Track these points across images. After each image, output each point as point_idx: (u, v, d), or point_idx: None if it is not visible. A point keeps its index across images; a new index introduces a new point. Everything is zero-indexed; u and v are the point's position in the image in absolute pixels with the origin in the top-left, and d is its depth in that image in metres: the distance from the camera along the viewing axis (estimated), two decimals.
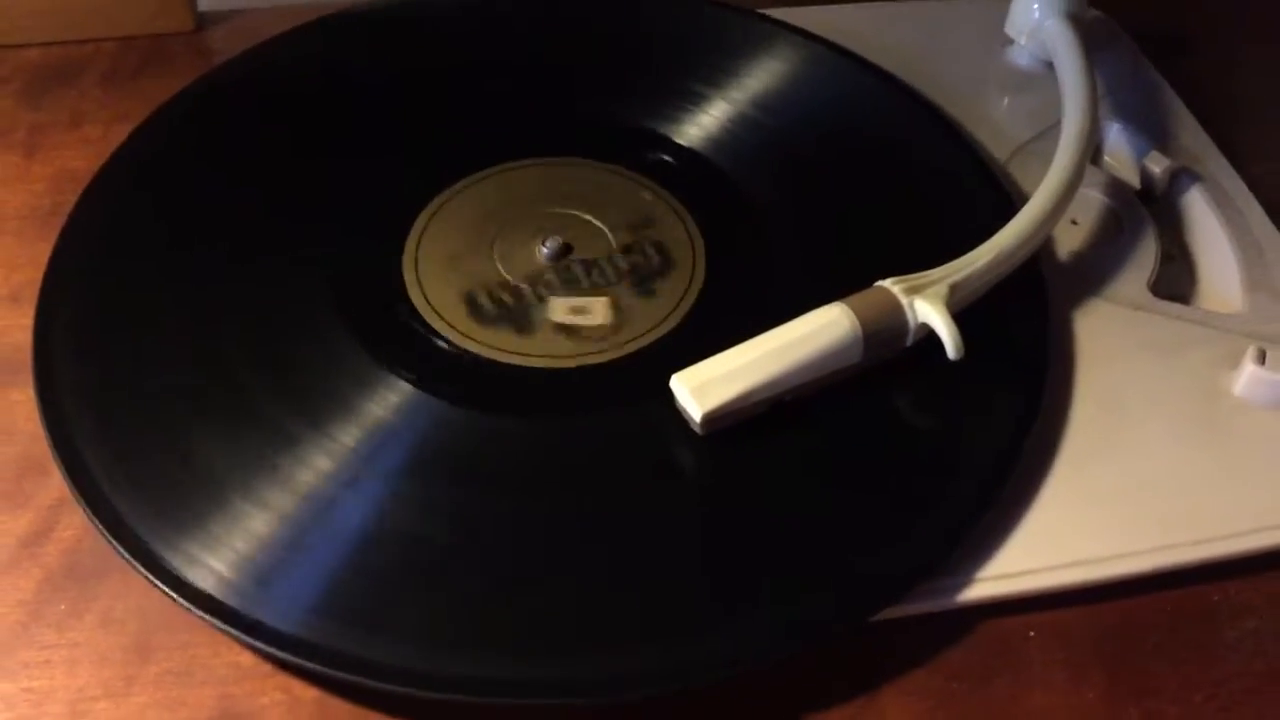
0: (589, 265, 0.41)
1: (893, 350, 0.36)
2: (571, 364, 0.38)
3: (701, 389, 0.34)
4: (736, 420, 0.35)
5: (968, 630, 0.34)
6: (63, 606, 0.33)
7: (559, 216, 0.42)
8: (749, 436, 0.35)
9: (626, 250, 0.41)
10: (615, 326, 0.39)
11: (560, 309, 0.38)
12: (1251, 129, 0.49)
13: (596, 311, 0.38)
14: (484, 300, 0.39)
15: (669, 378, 0.35)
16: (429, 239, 0.41)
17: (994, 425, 0.36)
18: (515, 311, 0.39)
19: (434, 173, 0.43)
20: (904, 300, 0.36)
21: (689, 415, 0.35)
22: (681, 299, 0.40)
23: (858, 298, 0.36)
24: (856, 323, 0.35)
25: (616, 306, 0.39)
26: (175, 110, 0.45)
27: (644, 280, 0.40)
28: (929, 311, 0.35)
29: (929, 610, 0.33)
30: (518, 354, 0.38)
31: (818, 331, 0.35)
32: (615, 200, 0.43)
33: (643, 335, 0.38)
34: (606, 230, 0.42)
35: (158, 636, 0.33)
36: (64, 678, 0.32)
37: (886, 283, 0.36)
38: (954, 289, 0.36)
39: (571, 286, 0.40)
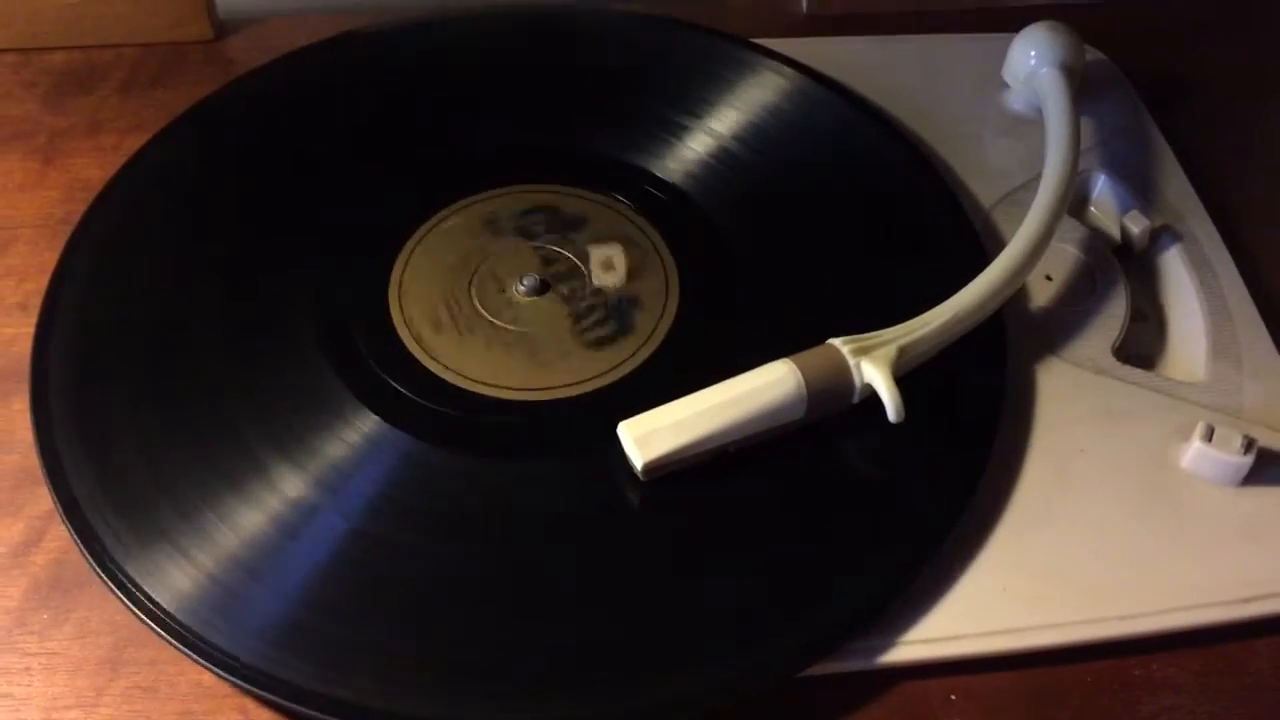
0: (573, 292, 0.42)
1: (838, 408, 0.37)
2: (542, 396, 0.39)
3: (645, 438, 0.36)
4: (680, 468, 0.36)
5: (889, 690, 0.35)
6: (45, 615, 0.36)
7: (537, 250, 0.43)
8: (690, 486, 0.36)
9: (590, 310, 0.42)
10: (633, 273, 0.42)
11: (597, 261, 0.41)
12: (1247, 189, 0.48)
13: (619, 264, 0.42)
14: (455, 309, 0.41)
15: (624, 422, 0.36)
16: (413, 270, 0.43)
17: (935, 488, 0.37)
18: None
19: (422, 198, 0.45)
20: (851, 361, 0.37)
21: (633, 462, 0.36)
22: (618, 365, 0.41)
23: (806, 355, 0.37)
24: (802, 381, 0.36)
25: (631, 257, 0.42)
26: (182, 129, 0.47)
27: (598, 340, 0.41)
28: (873, 374, 0.36)
29: (850, 669, 0.34)
30: (453, 371, 0.40)
31: (763, 388, 0.36)
32: (597, 232, 0.44)
33: (606, 373, 0.40)
34: (589, 286, 0.43)
35: (128, 650, 0.35)
36: (41, 685, 0.34)
37: (837, 341, 0.37)
38: (903, 351, 0.37)
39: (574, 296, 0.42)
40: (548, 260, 0.43)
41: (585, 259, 0.43)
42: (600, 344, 0.41)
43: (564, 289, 0.42)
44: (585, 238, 0.44)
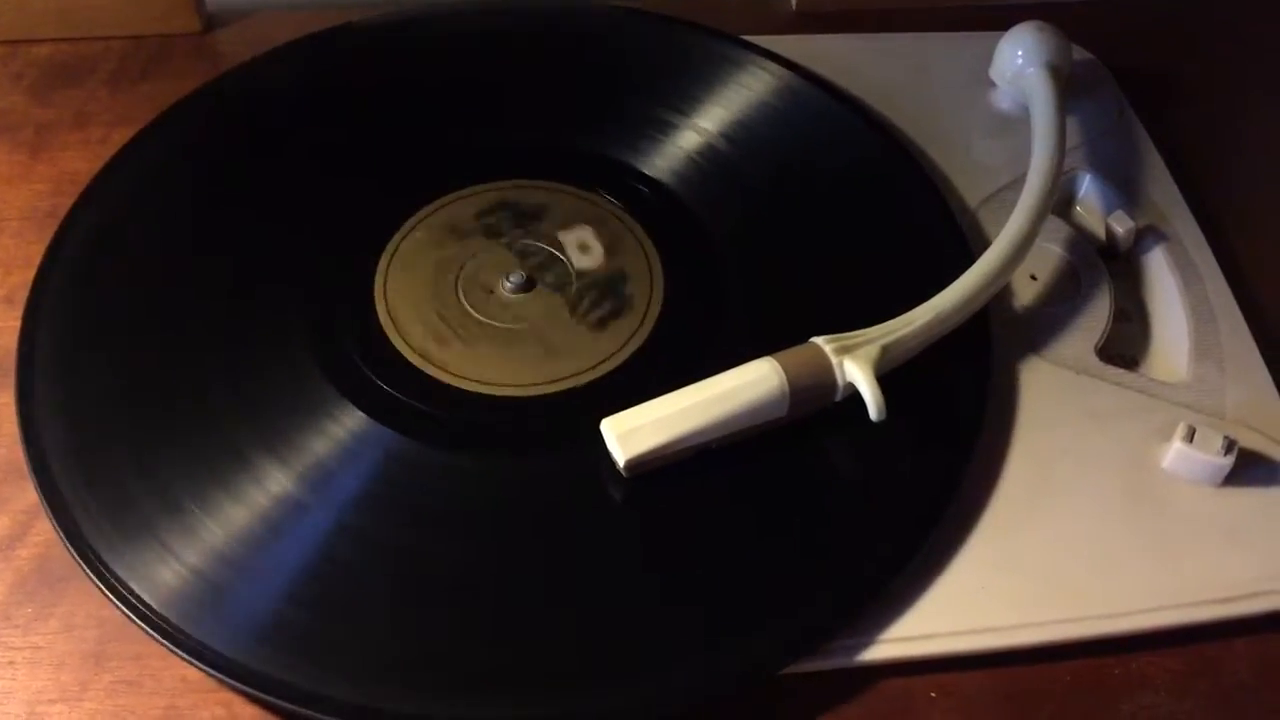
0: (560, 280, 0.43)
1: (821, 406, 0.38)
2: (517, 393, 0.39)
3: (628, 436, 0.36)
4: (662, 465, 0.36)
5: (870, 687, 0.35)
6: (30, 610, 0.36)
7: (530, 247, 0.44)
8: (672, 483, 0.37)
9: (583, 292, 0.42)
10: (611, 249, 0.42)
11: (572, 241, 0.41)
12: (1232, 190, 0.49)
13: (593, 244, 0.42)
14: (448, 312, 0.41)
15: (606, 419, 0.36)
16: (398, 265, 0.43)
17: (918, 487, 0.37)
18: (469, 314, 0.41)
19: (408, 194, 0.45)
20: (834, 359, 0.37)
21: (615, 459, 0.36)
22: (628, 340, 0.41)
23: (789, 354, 0.37)
24: (785, 379, 0.36)
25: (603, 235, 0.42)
26: (169, 125, 0.47)
27: (599, 319, 0.41)
28: (856, 373, 0.36)
29: (831, 667, 0.35)
30: (460, 377, 0.40)
31: (746, 386, 0.36)
32: (592, 235, 0.44)
33: (582, 373, 0.40)
34: (573, 271, 0.43)
35: (113, 645, 0.35)
36: (25, 679, 0.35)
37: (820, 340, 0.37)
38: (886, 350, 0.37)
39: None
40: (524, 255, 0.43)
41: (559, 246, 0.43)
42: (601, 324, 0.41)
43: (549, 279, 0.42)
44: (548, 226, 0.44)
